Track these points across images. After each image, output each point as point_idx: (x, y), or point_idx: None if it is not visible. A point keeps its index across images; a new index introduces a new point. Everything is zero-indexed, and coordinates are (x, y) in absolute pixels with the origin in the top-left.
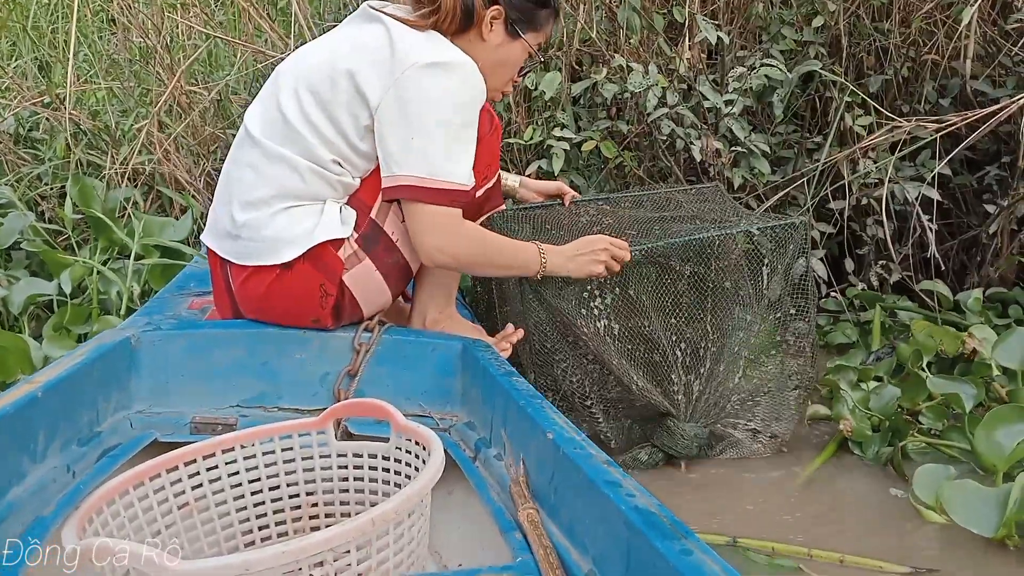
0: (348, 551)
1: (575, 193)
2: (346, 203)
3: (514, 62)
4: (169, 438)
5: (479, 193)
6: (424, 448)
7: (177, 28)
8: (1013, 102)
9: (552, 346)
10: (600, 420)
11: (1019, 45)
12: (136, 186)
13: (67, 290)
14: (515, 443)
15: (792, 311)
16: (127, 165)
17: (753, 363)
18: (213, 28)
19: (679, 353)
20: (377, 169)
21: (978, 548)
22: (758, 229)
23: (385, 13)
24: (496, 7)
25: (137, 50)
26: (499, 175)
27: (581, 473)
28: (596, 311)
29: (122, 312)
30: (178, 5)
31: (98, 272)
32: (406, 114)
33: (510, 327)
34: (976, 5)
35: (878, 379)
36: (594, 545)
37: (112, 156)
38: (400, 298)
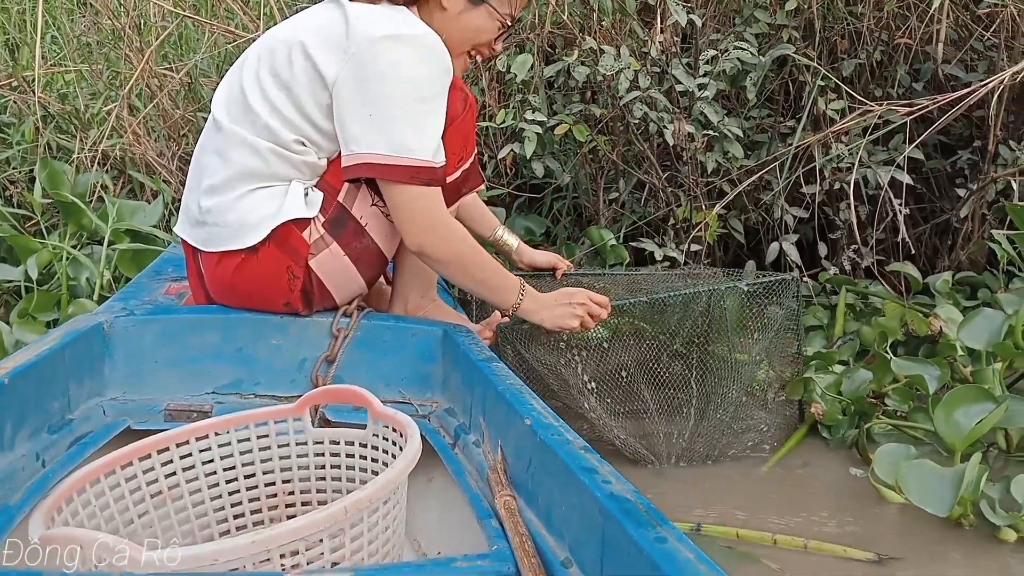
0: (321, 540)
1: (569, 265)
2: (314, 185)
3: (478, 30)
4: (143, 425)
5: (455, 175)
6: (402, 435)
7: (148, 9)
8: (983, 85)
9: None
10: None
11: (991, 30)
12: (106, 170)
13: (34, 276)
14: (493, 429)
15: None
16: (97, 149)
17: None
18: (183, 9)
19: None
20: None
21: (935, 527)
22: (747, 285)
23: None
24: None
25: (107, 32)
26: (476, 155)
27: (558, 459)
28: (573, 363)
29: (94, 298)
30: None
31: (68, 257)
32: (363, 90)
33: (497, 314)
34: None
35: (843, 363)
36: (570, 532)
37: (81, 140)
38: (383, 281)
